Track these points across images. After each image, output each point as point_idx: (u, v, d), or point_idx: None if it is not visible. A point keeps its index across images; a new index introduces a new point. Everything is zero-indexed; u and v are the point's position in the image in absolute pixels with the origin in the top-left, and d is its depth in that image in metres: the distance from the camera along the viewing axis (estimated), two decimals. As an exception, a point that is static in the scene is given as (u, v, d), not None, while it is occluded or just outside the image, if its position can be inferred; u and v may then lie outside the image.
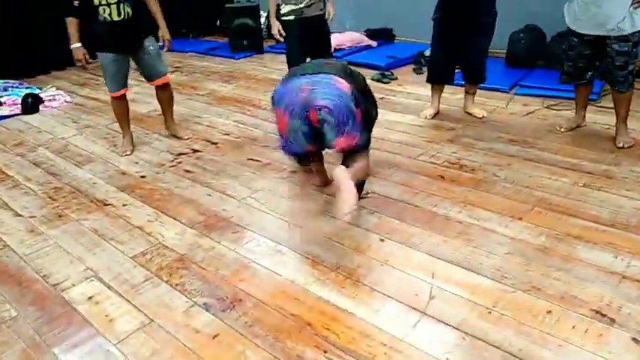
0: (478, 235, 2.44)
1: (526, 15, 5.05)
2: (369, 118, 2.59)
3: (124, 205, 2.94)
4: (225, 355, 1.83)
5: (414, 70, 5.36)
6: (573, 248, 2.29)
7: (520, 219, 2.54)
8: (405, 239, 2.43)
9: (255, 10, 6.65)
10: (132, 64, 3.53)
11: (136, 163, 3.52)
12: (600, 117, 3.75)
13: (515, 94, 4.42)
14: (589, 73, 3.30)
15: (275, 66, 5.88)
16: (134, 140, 3.78)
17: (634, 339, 1.78)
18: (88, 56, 3.34)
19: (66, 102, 4.99)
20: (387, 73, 5.16)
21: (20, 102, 4.75)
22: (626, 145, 3.23)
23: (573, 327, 1.85)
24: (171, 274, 2.30)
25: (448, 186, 2.90)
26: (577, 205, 2.63)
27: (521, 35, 5.01)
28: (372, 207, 2.72)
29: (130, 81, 3.62)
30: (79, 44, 3.27)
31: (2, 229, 2.76)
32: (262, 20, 6.90)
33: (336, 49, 5.50)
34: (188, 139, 3.83)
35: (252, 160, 3.44)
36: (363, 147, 2.44)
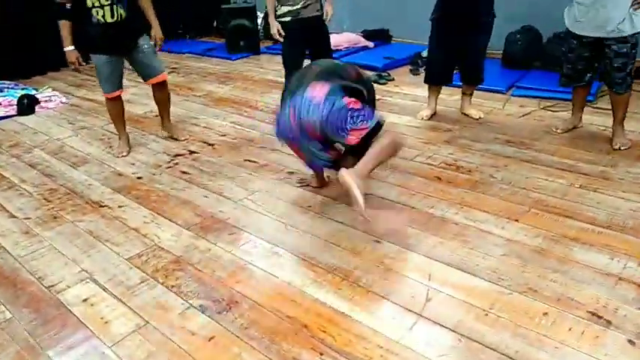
0: (474, 236, 2.43)
1: (522, 16, 5.06)
2: (373, 98, 2.63)
3: (119, 206, 2.93)
4: (221, 358, 1.82)
5: (410, 71, 5.37)
6: (570, 250, 2.29)
7: (516, 220, 2.54)
8: (401, 240, 2.43)
9: (251, 11, 6.65)
10: (127, 64, 3.52)
11: (132, 164, 3.50)
12: (597, 118, 3.75)
13: (512, 95, 4.43)
14: (588, 75, 3.31)
15: (272, 67, 5.88)
16: (130, 141, 3.76)
17: (630, 341, 1.78)
18: (81, 59, 3.32)
19: (62, 103, 4.98)
20: (383, 74, 5.16)
21: (16, 103, 4.72)
22: (622, 147, 3.24)
23: (570, 329, 1.85)
24: (167, 275, 2.29)
25: (445, 187, 2.90)
26: (573, 207, 2.63)
27: (518, 36, 5.03)
28: (368, 209, 2.70)
29: (126, 82, 3.61)
30: (72, 47, 3.25)
31: (-3, 230, 2.75)
32: (259, 21, 6.90)
33: (333, 50, 5.49)
34: (185, 140, 3.82)
35: (249, 161, 3.43)
36: (376, 129, 2.36)
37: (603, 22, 3.01)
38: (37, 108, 4.78)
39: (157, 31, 3.45)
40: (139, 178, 3.29)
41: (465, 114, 4.00)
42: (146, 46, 3.42)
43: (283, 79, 3.96)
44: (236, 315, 2.02)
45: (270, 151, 3.56)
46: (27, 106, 4.71)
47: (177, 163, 3.46)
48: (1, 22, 5.59)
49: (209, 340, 1.90)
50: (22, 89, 5.19)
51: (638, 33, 3.02)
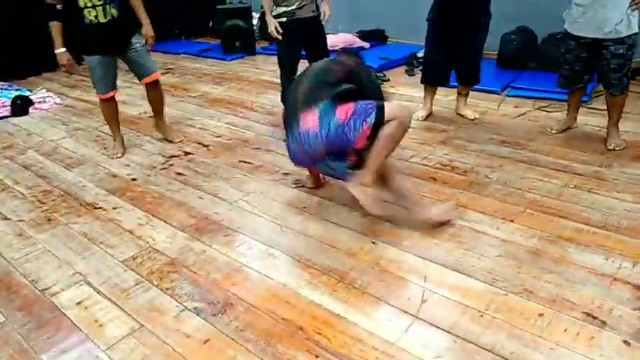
0: (470, 237, 2.43)
1: (517, 16, 5.06)
2: (372, 89, 2.55)
3: (114, 208, 2.92)
4: (215, 361, 1.82)
5: (406, 71, 5.37)
6: (565, 250, 2.29)
7: (512, 221, 2.54)
8: (396, 242, 2.43)
9: (247, 12, 6.63)
10: (122, 65, 3.51)
11: (127, 165, 3.49)
12: (591, 118, 3.76)
13: (507, 95, 4.44)
14: (586, 77, 3.31)
15: (267, 67, 5.87)
16: (125, 143, 3.75)
17: (625, 341, 1.78)
18: (73, 61, 3.29)
19: (56, 104, 4.96)
20: (379, 74, 5.15)
21: (10, 104, 4.70)
22: (617, 148, 3.24)
23: (565, 330, 1.85)
24: (161, 278, 2.28)
25: (440, 188, 2.90)
26: (568, 207, 2.63)
27: (513, 37, 5.04)
28: (363, 210, 2.70)
29: (120, 83, 3.60)
30: (64, 49, 3.22)
31: (-10, 233, 2.73)
32: (254, 22, 6.89)
33: (329, 51, 5.48)
34: (179, 141, 3.80)
35: (244, 162, 3.42)
36: (380, 118, 2.30)
37: (601, 22, 3.01)
38: (30, 109, 4.76)
39: (147, 29, 3.43)
40: (133, 179, 3.27)
41: (460, 114, 4.00)
42: (139, 45, 3.40)
43: (279, 80, 3.96)
44: (231, 317, 2.01)
45: (265, 152, 3.55)
46: (21, 107, 4.69)
47: (172, 165, 3.45)
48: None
49: (204, 343, 1.89)
50: (16, 90, 5.18)
51: (634, 34, 3.03)
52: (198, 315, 2.03)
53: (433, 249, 2.36)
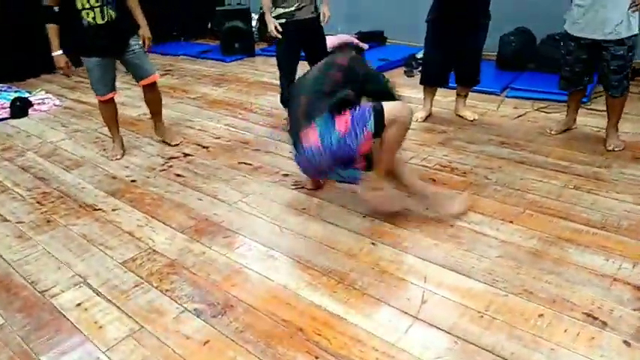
0: (469, 238, 2.43)
1: (516, 17, 5.07)
2: (373, 80, 2.57)
3: (113, 209, 2.91)
4: (215, 362, 1.82)
5: (405, 72, 5.37)
6: (564, 251, 2.29)
7: (511, 222, 2.54)
8: (396, 243, 2.43)
9: (246, 13, 6.64)
10: (121, 67, 3.50)
11: (126, 167, 3.49)
12: (590, 119, 3.77)
13: (506, 96, 4.44)
14: (586, 78, 3.31)
15: (266, 69, 5.87)
16: (124, 144, 3.74)
17: (625, 342, 1.78)
18: (70, 63, 3.29)
19: (55, 106, 4.95)
20: (378, 76, 5.15)
21: (9, 106, 4.70)
22: (616, 149, 3.24)
23: (565, 330, 1.85)
24: (161, 279, 2.28)
25: (439, 189, 2.89)
26: (568, 208, 2.63)
27: (512, 38, 5.05)
28: (363, 211, 2.71)
29: (120, 85, 3.59)
30: (61, 51, 3.21)
31: (-11, 234, 2.72)
32: (253, 23, 6.89)
33: (329, 52, 5.49)
34: (177, 144, 3.77)
35: (243, 163, 3.42)
36: (380, 121, 2.33)
37: (601, 23, 3.01)
38: (30, 111, 4.76)
39: (145, 30, 3.42)
40: (133, 181, 3.27)
41: (459, 115, 4.00)
42: (137, 47, 3.40)
43: (278, 82, 3.96)
44: (231, 319, 2.01)
45: (265, 154, 3.55)
46: (20, 108, 4.69)
47: (171, 166, 3.45)
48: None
49: (204, 344, 1.89)
50: (15, 92, 5.17)
51: (634, 35, 3.02)
52: (198, 316, 2.03)
53: (433, 250, 2.36)
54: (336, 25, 6.34)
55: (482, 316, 1.94)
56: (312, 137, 2.35)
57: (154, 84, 3.60)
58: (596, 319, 1.89)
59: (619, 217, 2.53)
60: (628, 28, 2.98)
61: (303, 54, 3.80)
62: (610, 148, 3.26)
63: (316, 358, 1.80)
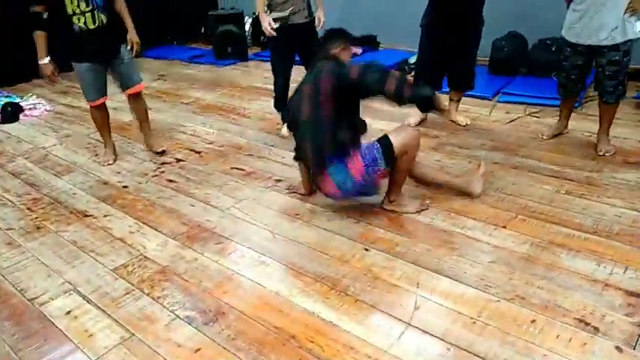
0: (462, 243, 2.43)
1: (508, 22, 5.10)
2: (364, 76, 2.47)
3: (104, 215, 2.89)
4: (207, 370, 1.80)
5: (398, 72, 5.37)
6: (557, 256, 2.30)
7: (504, 227, 2.54)
8: (389, 248, 2.42)
9: (239, 18, 6.63)
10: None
11: (118, 172, 3.47)
12: (582, 124, 3.78)
13: (498, 101, 4.46)
14: (579, 85, 3.33)
15: (259, 73, 5.87)
16: (116, 149, 3.72)
17: (617, 347, 1.79)
18: (56, 72, 3.26)
19: (46, 111, 4.92)
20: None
21: (0, 111, 4.66)
22: (607, 154, 3.26)
23: (557, 336, 1.85)
24: (152, 286, 2.26)
25: (432, 194, 2.89)
26: (560, 213, 2.64)
27: (504, 43, 5.07)
28: (356, 216, 2.71)
29: (112, 89, 3.57)
30: (48, 59, 3.19)
31: (-21, 241, 2.69)
32: (247, 27, 6.89)
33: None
34: (161, 151, 3.70)
35: (236, 169, 3.41)
36: (389, 154, 2.53)
37: (597, 28, 3.01)
38: (21, 116, 4.73)
39: (132, 35, 3.40)
40: (124, 187, 3.25)
41: (451, 120, 4.01)
42: (127, 56, 3.39)
43: (272, 86, 3.96)
44: (223, 326, 1.99)
45: (258, 159, 3.54)
46: (11, 114, 4.66)
47: (163, 172, 3.43)
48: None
49: (195, 352, 1.88)
50: (6, 97, 5.13)
51: (629, 41, 3.03)
52: (189, 324, 2.02)
53: (425, 255, 2.36)
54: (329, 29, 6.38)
55: (474, 322, 1.94)
56: (330, 188, 2.59)
57: (139, 93, 3.58)
58: (588, 324, 1.90)
59: (610, 221, 2.54)
60: (623, 33, 2.99)
61: (297, 58, 3.79)
62: (601, 153, 3.28)
63: (308, 365, 1.79)
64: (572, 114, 3.70)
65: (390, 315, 2.00)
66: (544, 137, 3.60)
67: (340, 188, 2.56)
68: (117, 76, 3.45)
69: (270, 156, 3.56)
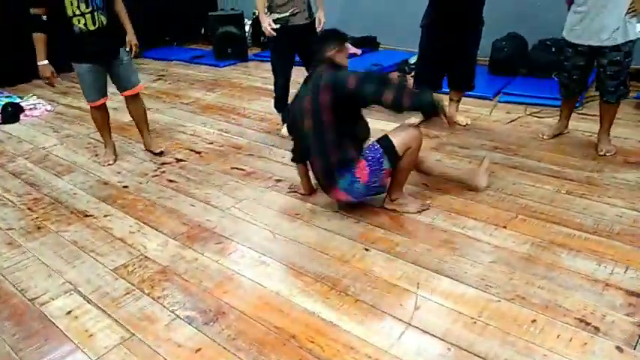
0: (463, 243, 2.43)
1: (508, 23, 5.10)
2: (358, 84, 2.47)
3: (105, 216, 2.89)
4: (207, 370, 1.80)
5: (398, 77, 5.38)
6: (557, 256, 2.30)
7: (504, 227, 2.54)
8: (389, 248, 2.42)
9: (239, 19, 6.63)
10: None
11: (119, 172, 3.47)
12: (582, 124, 3.78)
13: (499, 101, 4.46)
14: (581, 85, 3.32)
15: (259, 74, 5.87)
16: (117, 150, 3.72)
17: (618, 347, 1.78)
18: (55, 74, 3.26)
19: (47, 111, 4.92)
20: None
21: (0, 111, 4.66)
22: (608, 154, 3.26)
23: (558, 336, 1.85)
24: (153, 286, 2.26)
25: (432, 194, 2.90)
26: (560, 213, 2.64)
27: (504, 43, 5.07)
28: (356, 216, 2.71)
29: (112, 90, 3.57)
30: (46, 61, 3.18)
31: (-21, 241, 2.69)
32: (247, 28, 6.89)
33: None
34: (159, 153, 3.70)
35: (236, 169, 3.41)
36: (392, 153, 2.57)
37: (598, 30, 3.01)
38: (21, 116, 4.73)
39: (131, 37, 3.40)
40: (125, 187, 3.25)
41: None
42: (126, 58, 3.39)
43: (272, 87, 3.96)
44: (223, 326, 1.99)
45: (258, 159, 3.54)
46: (11, 114, 4.66)
47: (164, 172, 3.43)
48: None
49: (196, 352, 1.88)
50: (7, 97, 5.13)
51: (631, 41, 3.02)
52: (189, 324, 2.01)
53: (426, 255, 2.35)
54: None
55: (475, 322, 1.94)
56: (340, 195, 2.66)
57: (137, 95, 3.58)
58: (588, 324, 1.89)
59: (611, 221, 2.54)
60: (624, 34, 2.98)
61: (298, 59, 3.79)
62: (602, 152, 3.28)
63: (309, 365, 1.79)
64: (573, 114, 3.71)
65: (391, 315, 2.00)
66: (544, 137, 3.60)
67: (351, 193, 2.63)
68: (115, 78, 3.45)
69: (271, 156, 3.56)
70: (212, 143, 3.89)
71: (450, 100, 4.03)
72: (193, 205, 2.95)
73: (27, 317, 2.10)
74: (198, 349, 1.89)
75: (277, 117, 4.03)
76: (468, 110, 4.19)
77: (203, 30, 7.64)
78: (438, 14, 3.57)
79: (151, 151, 3.74)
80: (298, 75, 3.40)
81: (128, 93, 3.52)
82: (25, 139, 4.21)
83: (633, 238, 2.39)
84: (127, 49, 3.39)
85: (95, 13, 3.14)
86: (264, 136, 3.96)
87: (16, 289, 2.29)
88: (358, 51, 5.88)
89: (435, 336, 1.88)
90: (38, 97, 5.23)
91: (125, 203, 3.02)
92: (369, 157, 2.56)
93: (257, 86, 5.42)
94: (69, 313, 2.11)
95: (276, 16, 3.60)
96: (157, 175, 3.38)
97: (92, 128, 3.98)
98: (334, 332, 1.93)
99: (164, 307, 2.12)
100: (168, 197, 3.07)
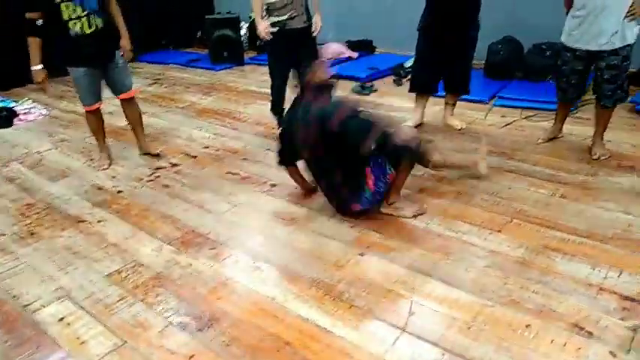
0: (457, 248, 2.43)
1: (503, 27, 5.11)
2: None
3: (99, 221, 2.88)
4: (200, 377, 1.79)
5: (394, 81, 5.39)
6: (551, 261, 2.30)
7: (499, 231, 2.54)
8: (384, 253, 2.42)
9: (235, 22, 6.63)
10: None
11: (113, 177, 3.45)
12: (577, 128, 3.79)
13: (494, 105, 4.46)
14: (579, 89, 3.32)
15: (255, 78, 5.86)
16: (111, 154, 3.71)
17: (612, 352, 1.78)
18: (47, 78, 3.24)
19: (42, 115, 4.91)
20: (366, 84, 5.17)
21: (-6, 116, 4.65)
22: (602, 158, 3.26)
23: (552, 341, 1.84)
24: (146, 292, 2.25)
25: (427, 198, 2.89)
26: (555, 217, 2.64)
27: (500, 47, 5.08)
28: (351, 221, 2.70)
29: (108, 94, 3.56)
30: (41, 66, 3.17)
31: (-28, 247, 2.68)
32: (243, 32, 6.89)
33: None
34: (157, 154, 3.71)
35: (231, 173, 3.40)
36: (397, 164, 2.63)
37: (596, 34, 3.01)
38: (15, 120, 4.71)
39: (125, 42, 3.40)
40: (119, 191, 3.24)
41: (447, 124, 4.01)
42: (121, 61, 3.39)
43: (268, 90, 3.95)
44: (217, 332, 1.98)
45: (253, 163, 3.53)
46: (5, 118, 4.63)
47: (158, 176, 3.42)
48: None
49: (189, 359, 1.87)
50: (1, 101, 5.11)
51: (629, 45, 3.03)
52: (183, 330, 2.00)
53: (421, 260, 2.35)
54: (325, 33, 6.38)
55: (469, 328, 1.93)
56: (353, 209, 2.70)
57: (132, 98, 3.58)
58: (582, 329, 1.89)
59: (605, 226, 2.54)
60: (622, 38, 2.99)
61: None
62: (596, 156, 3.28)
63: (303, 372, 1.78)
64: (568, 118, 3.71)
65: (385, 321, 1.99)
66: (539, 141, 3.60)
67: (362, 204, 2.66)
68: (110, 81, 3.44)
69: (266, 160, 3.55)
70: (207, 147, 3.88)
71: (446, 103, 4.03)
72: (188, 210, 2.94)
73: (19, 324, 2.09)
74: (192, 356, 1.88)
75: (273, 121, 4.03)
76: (463, 114, 4.19)
77: (199, 33, 7.63)
78: (435, 17, 3.58)
79: (149, 152, 3.74)
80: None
81: (124, 96, 3.52)
82: (19, 144, 4.19)
83: (627, 243, 2.40)
84: (121, 53, 3.38)
85: (91, 17, 3.13)
86: (259, 140, 3.95)
87: (8, 295, 2.27)
88: (354, 54, 5.87)
89: (429, 341, 1.88)
90: (33, 101, 5.21)
91: (119, 208, 3.01)
92: (372, 163, 2.59)
93: (253, 90, 5.41)
94: (61, 319, 2.10)
95: (274, 19, 3.60)
96: (151, 180, 3.37)
97: (87, 133, 3.96)
98: (329, 338, 1.92)
99: (158, 313, 2.11)
100: (162, 202, 3.05)
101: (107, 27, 3.25)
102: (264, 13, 3.62)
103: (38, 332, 2.03)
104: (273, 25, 3.60)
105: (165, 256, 2.51)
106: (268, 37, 3.60)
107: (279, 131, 3.70)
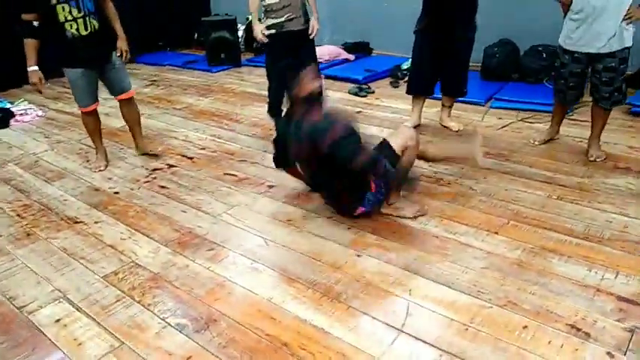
0: (455, 249, 2.43)
1: (499, 29, 5.13)
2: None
3: (95, 222, 2.87)
4: (198, 379, 1.78)
5: (391, 83, 5.40)
6: (548, 262, 2.30)
7: (496, 233, 2.55)
8: (381, 255, 2.42)
9: (232, 24, 6.63)
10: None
11: (110, 178, 3.44)
12: (573, 130, 3.81)
13: (491, 107, 4.48)
14: (578, 92, 3.33)
15: (252, 79, 5.86)
16: (108, 155, 3.70)
17: (609, 353, 1.79)
18: (43, 80, 3.24)
19: (38, 116, 4.89)
20: (363, 86, 5.18)
21: (-10, 116, 4.63)
22: (598, 159, 3.28)
23: (549, 342, 1.85)
24: (143, 293, 2.24)
25: (425, 200, 2.90)
26: (552, 219, 2.65)
27: (496, 49, 5.10)
28: (349, 222, 2.70)
29: (105, 95, 3.55)
30: (36, 67, 3.16)
31: (-33, 249, 2.66)
32: (240, 33, 6.89)
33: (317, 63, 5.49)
34: (158, 152, 3.71)
35: (228, 174, 3.40)
36: (396, 163, 2.63)
37: (595, 37, 3.03)
38: (11, 121, 4.69)
39: (122, 43, 3.39)
40: (116, 193, 3.23)
41: (444, 126, 4.02)
42: (117, 62, 3.38)
43: (265, 92, 3.96)
44: (214, 333, 1.98)
45: (250, 165, 3.53)
46: (1, 119, 4.62)
47: (155, 178, 3.41)
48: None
49: (186, 360, 1.86)
50: (-3, 102, 5.10)
51: (626, 48, 3.04)
52: (180, 331, 2.00)
53: (418, 261, 2.35)
54: (322, 36, 6.39)
55: (467, 329, 1.93)
56: (357, 212, 2.69)
57: (130, 99, 3.57)
58: (579, 330, 1.90)
59: (601, 227, 2.55)
60: (620, 41, 3.00)
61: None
62: (592, 158, 3.30)
63: (300, 373, 1.78)
64: (564, 120, 3.72)
65: (383, 322, 1.99)
66: (536, 143, 3.62)
67: (365, 206, 2.67)
68: (108, 82, 3.44)
69: (263, 162, 3.55)
70: (204, 149, 3.88)
71: (443, 105, 4.05)
72: (185, 212, 2.93)
73: (15, 326, 2.08)
74: (189, 357, 1.87)
75: (270, 122, 4.03)
76: (460, 116, 4.20)
77: (196, 35, 7.63)
78: (432, 19, 3.59)
79: (148, 152, 3.74)
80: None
81: (123, 97, 3.52)
82: (15, 145, 4.18)
83: (624, 244, 2.40)
84: (118, 54, 3.37)
85: (87, 18, 3.13)
86: (256, 141, 3.95)
87: (4, 297, 2.26)
88: (351, 56, 5.89)
89: (427, 342, 1.88)
90: (29, 103, 5.19)
91: (116, 209, 3.00)
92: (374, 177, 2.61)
93: (250, 92, 5.41)
94: (58, 321, 2.09)
95: (272, 21, 3.60)
96: (148, 181, 3.36)
97: (83, 134, 3.96)
98: (326, 339, 1.92)
99: (155, 314, 2.10)
100: (159, 203, 3.05)
101: (103, 28, 3.24)
102: (263, 14, 3.63)
103: (35, 334, 2.02)
104: (270, 27, 3.60)
105: (162, 257, 2.50)
106: (264, 40, 3.61)
107: (274, 137, 3.72)
